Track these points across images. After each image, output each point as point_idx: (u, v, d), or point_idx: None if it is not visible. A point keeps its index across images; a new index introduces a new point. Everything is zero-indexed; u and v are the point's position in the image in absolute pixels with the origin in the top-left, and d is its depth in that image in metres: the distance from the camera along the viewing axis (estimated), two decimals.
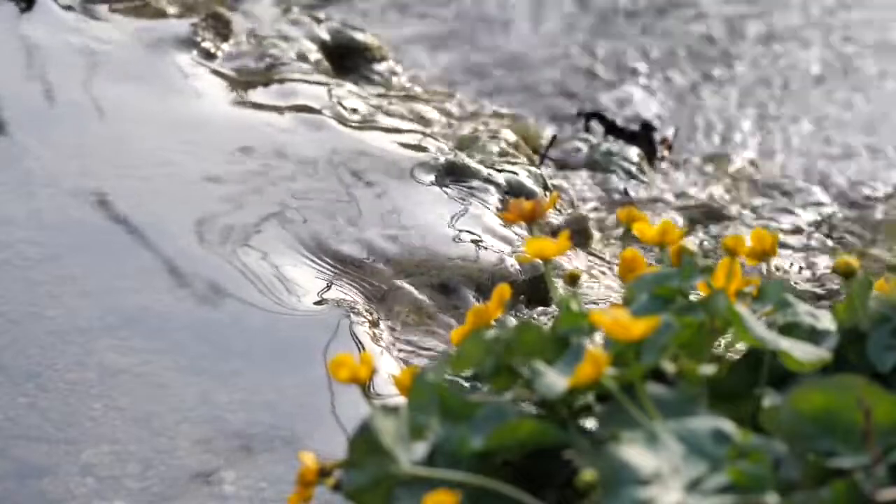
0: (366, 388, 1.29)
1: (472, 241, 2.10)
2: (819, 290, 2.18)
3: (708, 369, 1.23)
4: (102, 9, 2.71)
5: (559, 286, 1.48)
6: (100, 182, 2.15)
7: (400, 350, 1.87)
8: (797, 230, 2.46)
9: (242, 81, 2.55)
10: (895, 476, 1.07)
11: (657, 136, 2.83)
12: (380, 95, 2.64)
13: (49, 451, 1.62)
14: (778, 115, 3.08)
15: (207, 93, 2.47)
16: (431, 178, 2.26)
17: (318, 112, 2.43)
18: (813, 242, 2.41)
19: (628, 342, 1.16)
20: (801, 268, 2.29)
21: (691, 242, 2.27)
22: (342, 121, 2.42)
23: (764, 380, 1.24)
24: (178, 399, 1.72)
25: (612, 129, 2.84)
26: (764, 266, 1.40)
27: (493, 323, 1.36)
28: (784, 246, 2.36)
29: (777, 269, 2.24)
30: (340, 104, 2.49)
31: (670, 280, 1.32)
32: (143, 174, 2.19)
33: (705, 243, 2.35)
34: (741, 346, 1.30)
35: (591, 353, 1.15)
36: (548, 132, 2.78)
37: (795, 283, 2.20)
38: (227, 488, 1.59)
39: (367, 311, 1.92)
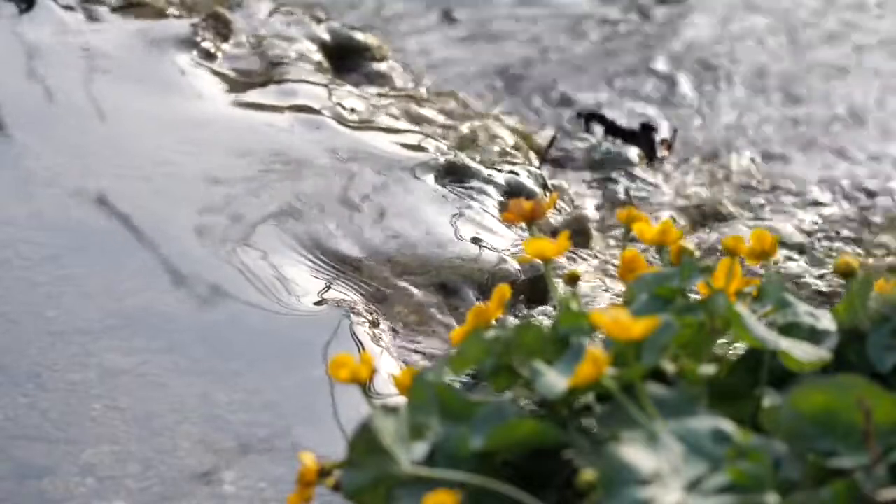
0: (366, 388, 1.29)
1: (472, 241, 2.10)
2: (820, 290, 2.18)
3: (708, 369, 1.23)
4: (102, 9, 2.71)
5: (559, 286, 1.48)
6: (100, 182, 2.15)
7: (400, 350, 1.87)
8: (797, 230, 2.46)
9: (242, 81, 2.55)
10: (895, 476, 1.07)
11: (657, 136, 2.83)
12: (380, 95, 2.64)
13: (49, 451, 1.62)
14: (778, 114, 3.08)
15: (207, 93, 2.47)
16: (431, 178, 2.26)
17: (318, 112, 2.43)
18: (813, 242, 2.41)
19: (628, 342, 1.16)
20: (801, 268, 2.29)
21: (691, 242, 2.26)
22: (342, 121, 2.42)
23: (764, 380, 1.24)
24: (178, 399, 1.72)
25: (612, 129, 2.84)
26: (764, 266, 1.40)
27: (493, 323, 1.36)
28: (784, 246, 2.36)
29: (776, 263, 2.24)
30: (340, 104, 2.49)
31: (670, 280, 1.32)
32: (143, 174, 2.19)
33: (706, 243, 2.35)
34: (741, 346, 1.30)
35: (591, 353, 1.15)
36: (548, 132, 2.78)
37: (796, 283, 2.20)
38: (227, 488, 1.59)
39: (367, 311, 1.92)
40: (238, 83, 2.53)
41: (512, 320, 1.90)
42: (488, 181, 2.28)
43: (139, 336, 1.82)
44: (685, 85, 3.20)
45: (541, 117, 2.99)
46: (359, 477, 1.17)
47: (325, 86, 2.56)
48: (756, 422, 1.18)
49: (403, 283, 2.00)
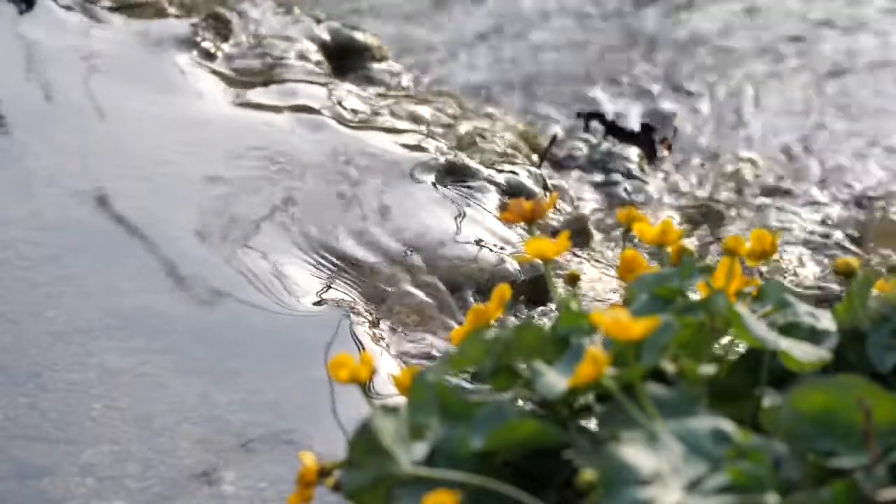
0: (366, 388, 1.29)
1: (472, 241, 2.10)
2: (820, 291, 2.18)
3: (708, 369, 1.23)
4: (102, 9, 2.71)
5: (559, 286, 1.48)
6: (100, 182, 2.15)
7: (400, 350, 1.87)
8: (797, 230, 2.46)
9: (242, 81, 2.55)
10: (895, 476, 1.07)
11: (657, 136, 2.83)
12: (380, 95, 2.64)
13: (49, 451, 1.62)
14: (777, 115, 3.08)
15: (207, 93, 2.47)
16: (431, 178, 2.26)
17: (318, 112, 2.43)
18: (813, 243, 2.41)
19: (628, 342, 1.16)
20: (799, 268, 2.29)
21: (690, 243, 2.26)
22: (342, 121, 2.42)
23: (764, 380, 1.24)
24: (178, 399, 1.72)
25: (612, 129, 2.84)
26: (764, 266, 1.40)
27: (493, 323, 1.36)
28: (784, 246, 2.36)
29: (779, 267, 2.24)
30: (340, 104, 2.49)
31: (670, 280, 1.32)
32: (143, 174, 2.19)
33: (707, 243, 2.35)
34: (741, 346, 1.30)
35: (591, 353, 1.15)
36: (548, 132, 2.78)
37: (795, 282, 2.20)
38: (227, 488, 1.59)
39: (367, 311, 1.92)
40: (238, 83, 2.53)
41: (512, 320, 1.90)
42: (488, 181, 2.28)
43: (139, 336, 1.82)
44: (685, 85, 3.20)
45: (541, 117, 2.99)
46: (359, 477, 1.17)
47: (325, 86, 2.56)
48: (756, 422, 1.18)
49: (403, 283, 2.00)
